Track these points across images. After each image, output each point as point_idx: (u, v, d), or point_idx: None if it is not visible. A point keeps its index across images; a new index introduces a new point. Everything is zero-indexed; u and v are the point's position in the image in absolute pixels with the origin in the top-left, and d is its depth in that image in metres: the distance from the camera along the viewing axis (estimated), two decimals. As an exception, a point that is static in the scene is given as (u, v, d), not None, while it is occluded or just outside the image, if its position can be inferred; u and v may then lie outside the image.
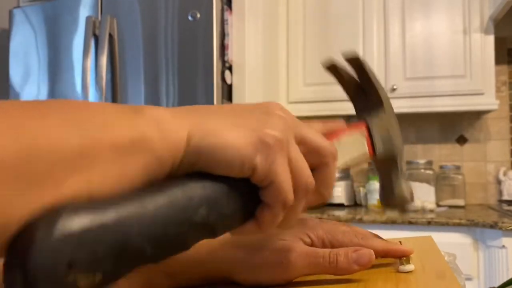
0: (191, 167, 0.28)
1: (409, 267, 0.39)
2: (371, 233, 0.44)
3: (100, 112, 0.26)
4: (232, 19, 1.77)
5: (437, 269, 0.40)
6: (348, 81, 0.46)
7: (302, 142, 0.31)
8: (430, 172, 2.17)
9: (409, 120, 2.35)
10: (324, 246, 0.40)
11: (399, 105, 2.10)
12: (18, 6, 2.05)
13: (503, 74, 2.28)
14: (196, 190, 0.27)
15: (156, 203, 0.25)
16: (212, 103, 1.67)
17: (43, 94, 1.88)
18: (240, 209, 0.29)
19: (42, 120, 0.23)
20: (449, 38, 2.06)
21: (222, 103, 1.72)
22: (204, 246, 0.34)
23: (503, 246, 1.64)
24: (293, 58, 2.24)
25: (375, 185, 2.09)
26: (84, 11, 1.84)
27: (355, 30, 2.16)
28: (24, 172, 0.21)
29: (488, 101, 2.01)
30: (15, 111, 0.22)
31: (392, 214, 1.90)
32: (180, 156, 0.27)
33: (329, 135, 0.37)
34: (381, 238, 0.43)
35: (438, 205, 2.11)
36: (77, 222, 0.21)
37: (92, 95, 1.76)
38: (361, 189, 2.23)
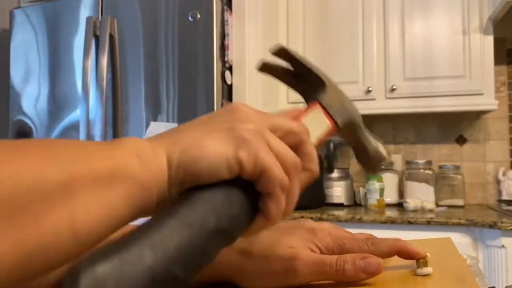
0: (182, 186, 0.28)
1: (427, 270, 0.38)
2: (380, 238, 0.43)
3: (79, 147, 0.26)
4: (232, 19, 1.78)
5: (457, 272, 0.38)
6: (283, 73, 0.48)
7: (275, 129, 0.32)
8: (430, 172, 2.17)
9: (408, 120, 2.36)
10: (333, 254, 0.39)
11: (399, 105, 2.11)
12: (18, 7, 2.05)
13: (502, 75, 2.28)
14: (199, 202, 0.27)
15: (170, 227, 0.25)
16: (212, 103, 1.67)
17: (44, 94, 1.89)
18: (245, 207, 0.30)
19: (22, 158, 0.23)
20: (448, 38, 2.07)
21: (222, 103, 1.72)
22: None
23: (503, 246, 1.64)
24: (293, 58, 2.24)
25: (375, 185, 2.10)
26: (85, 12, 1.84)
27: (355, 30, 2.17)
28: (4, 209, 0.21)
29: (488, 101, 2.02)
30: None
31: (391, 213, 1.91)
32: (165, 178, 0.27)
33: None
34: (390, 239, 0.42)
35: (438, 205, 2.11)
36: (100, 270, 0.22)
37: (92, 95, 1.76)
38: (361, 189, 2.24)
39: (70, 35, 1.86)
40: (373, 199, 2.10)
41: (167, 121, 1.71)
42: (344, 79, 2.10)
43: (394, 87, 2.09)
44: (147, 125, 1.73)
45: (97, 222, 0.24)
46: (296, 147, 0.33)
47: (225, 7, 1.75)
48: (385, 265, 0.42)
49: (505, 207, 1.98)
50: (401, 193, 2.24)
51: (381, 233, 0.45)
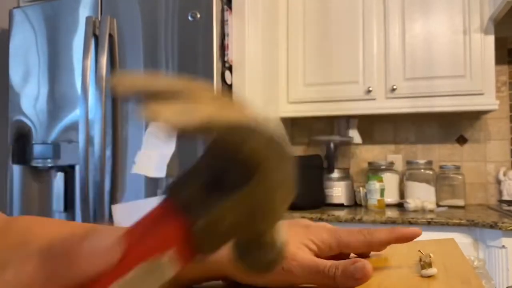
0: None
1: (432, 271, 0.37)
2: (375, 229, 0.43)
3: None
4: (232, 19, 1.77)
5: (462, 273, 0.38)
6: None
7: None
8: (430, 172, 2.17)
9: (409, 120, 2.36)
10: (331, 250, 0.39)
11: (399, 105, 2.11)
12: (18, 6, 2.05)
13: (503, 74, 2.28)
14: None
15: None
16: (212, 103, 1.67)
17: (43, 94, 1.88)
18: None
19: None
20: (449, 38, 2.06)
21: (222, 103, 1.72)
22: None
23: (503, 246, 1.64)
24: (293, 58, 2.24)
25: (375, 185, 2.09)
26: (84, 11, 1.84)
27: (355, 30, 2.16)
28: None
29: (488, 101, 2.01)
30: None
31: (392, 214, 1.90)
32: None
33: None
34: (385, 229, 0.42)
35: (438, 205, 2.11)
36: None
37: (92, 95, 1.75)
38: (361, 189, 2.23)
39: (69, 34, 1.86)
40: (373, 199, 2.10)
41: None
42: (344, 79, 2.10)
43: (394, 87, 2.08)
44: (147, 125, 1.73)
45: None
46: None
47: (225, 6, 1.75)
48: (388, 266, 0.42)
49: (505, 207, 1.97)
50: (402, 193, 2.24)
51: (382, 234, 0.44)
